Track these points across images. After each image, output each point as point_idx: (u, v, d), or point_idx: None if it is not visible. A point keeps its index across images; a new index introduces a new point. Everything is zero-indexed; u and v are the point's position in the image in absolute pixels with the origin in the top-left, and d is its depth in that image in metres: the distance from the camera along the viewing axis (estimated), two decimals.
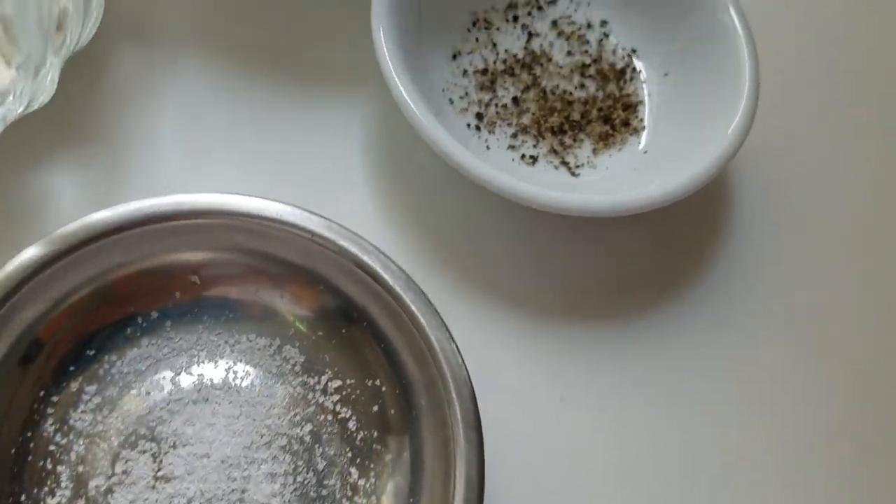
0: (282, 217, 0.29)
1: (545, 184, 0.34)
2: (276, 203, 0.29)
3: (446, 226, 0.34)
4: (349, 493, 0.28)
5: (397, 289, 0.28)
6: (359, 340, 0.29)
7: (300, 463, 0.28)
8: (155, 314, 0.30)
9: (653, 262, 0.34)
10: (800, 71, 0.39)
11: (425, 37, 0.36)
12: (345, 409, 0.29)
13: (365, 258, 0.28)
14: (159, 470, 0.28)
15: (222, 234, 0.29)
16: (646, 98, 0.37)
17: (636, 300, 0.34)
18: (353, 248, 0.28)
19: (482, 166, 0.30)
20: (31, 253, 0.27)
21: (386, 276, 0.28)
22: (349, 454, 0.29)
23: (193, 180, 0.33)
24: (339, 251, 0.28)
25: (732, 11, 0.35)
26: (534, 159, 0.35)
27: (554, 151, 0.35)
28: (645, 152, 0.35)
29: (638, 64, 0.37)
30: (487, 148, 0.35)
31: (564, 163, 0.35)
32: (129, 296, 0.29)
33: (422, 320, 0.28)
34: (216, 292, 0.30)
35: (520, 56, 0.37)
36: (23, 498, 0.27)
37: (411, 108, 0.31)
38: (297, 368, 0.30)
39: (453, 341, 0.27)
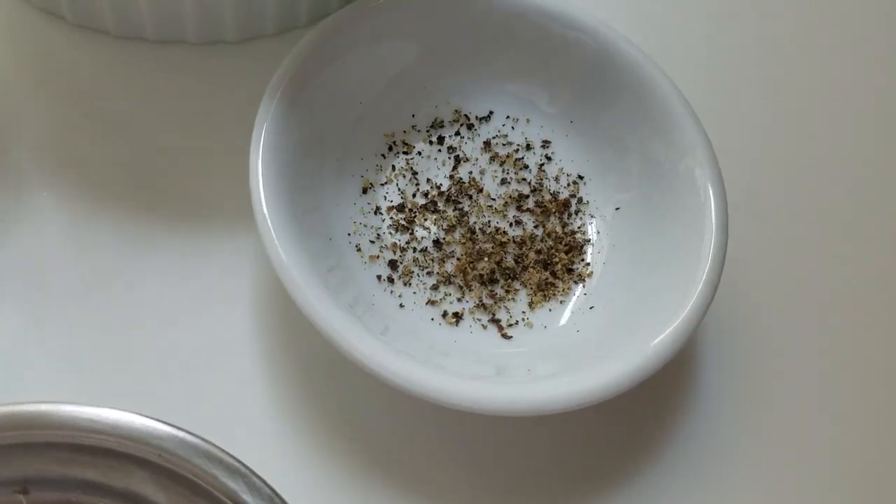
0: (119, 430, 0.23)
1: (468, 351, 0.28)
2: (113, 411, 0.23)
3: (353, 420, 0.28)
4: None
5: None
6: None
7: None
8: None
9: (598, 450, 0.28)
10: (771, 228, 0.33)
11: (326, 169, 0.30)
12: None
13: (230, 484, 0.22)
14: None
15: (45, 453, 0.23)
16: (594, 237, 0.31)
17: (585, 493, 0.28)
18: (214, 471, 0.22)
19: (369, 351, 0.24)
20: None
21: None
22: None
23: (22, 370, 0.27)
24: (196, 474, 0.22)
25: (700, 154, 0.29)
26: (457, 317, 0.29)
27: (482, 306, 0.30)
28: (591, 308, 0.29)
29: (585, 194, 0.32)
30: (401, 306, 0.29)
31: (495, 320, 0.29)
32: None
33: None
34: None
35: (444, 187, 0.31)
36: None
37: (289, 276, 0.25)
38: None
39: None
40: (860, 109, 0.37)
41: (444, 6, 0.32)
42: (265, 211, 0.26)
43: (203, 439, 0.23)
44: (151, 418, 0.23)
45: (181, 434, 0.23)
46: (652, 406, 0.29)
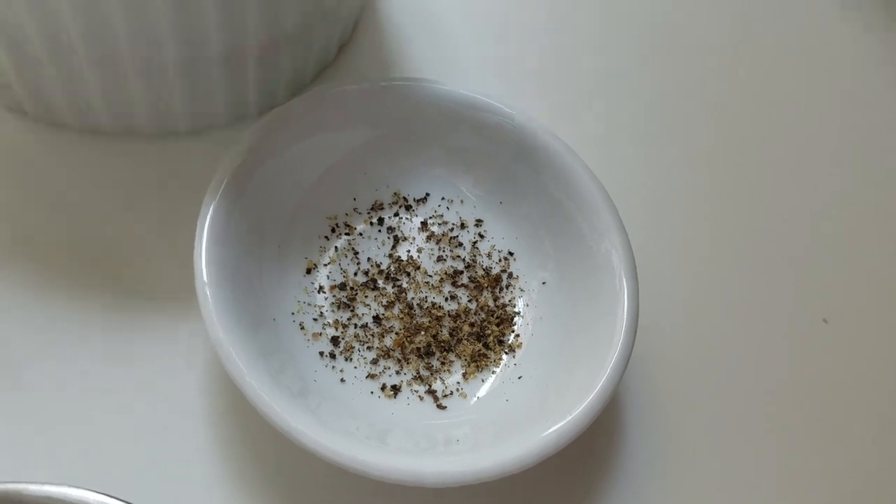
0: None
1: (404, 424, 0.30)
2: (64, 489, 0.24)
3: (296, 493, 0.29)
4: None
5: None
6: None
7: None
8: None
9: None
10: (678, 293, 0.36)
11: (271, 253, 0.32)
12: None
13: None
14: None
15: None
16: (522, 309, 0.34)
17: None
18: None
19: (311, 433, 0.26)
20: None
21: None
22: None
23: None
24: None
25: (615, 237, 0.32)
26: (395, 390, 0.31)
27: (419, 378, 0.32)
28: (519, 377, 0.32)
29: (515, 269, 0.34)
30: (342, 381, 0.31)
31: (431, 391, 0.32)
32: None
33: None
34: None
35: (384, 266, 0.34)
36: None
37: (231, 361, 0.27)
38: None
39: None
40: (767, 176, 0.40)
41: (382, 100, 0.34)
42: (209, 298, 0.28)
43: None
44: (105, 494, 0.25)
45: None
46: (578, 463, 0.32)
